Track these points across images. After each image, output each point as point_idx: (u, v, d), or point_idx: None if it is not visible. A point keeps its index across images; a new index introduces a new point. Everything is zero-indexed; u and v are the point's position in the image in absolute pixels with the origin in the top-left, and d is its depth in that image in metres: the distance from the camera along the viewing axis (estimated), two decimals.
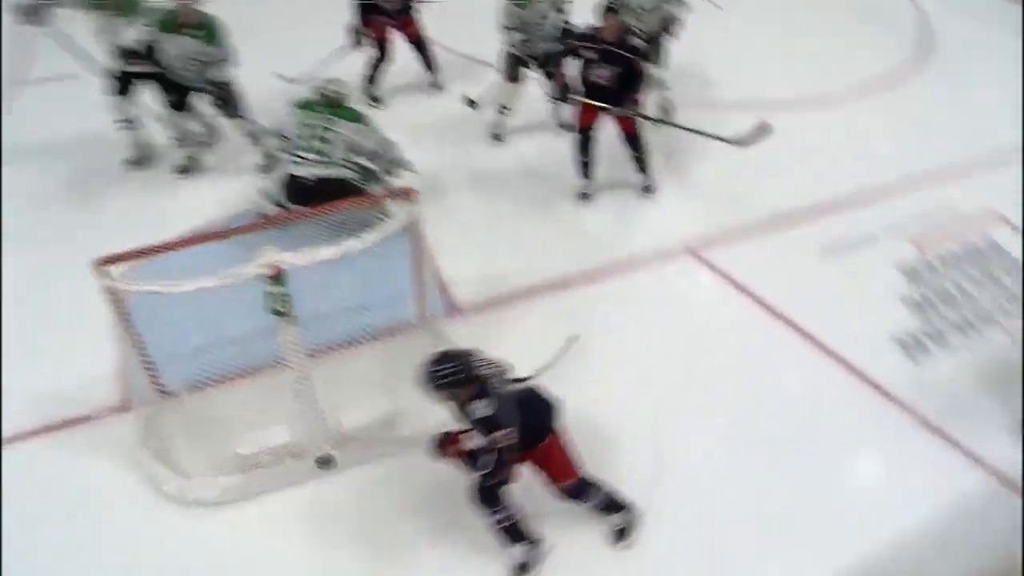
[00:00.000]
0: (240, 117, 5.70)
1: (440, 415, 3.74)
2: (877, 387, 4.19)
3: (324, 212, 3.65)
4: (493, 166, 5.98)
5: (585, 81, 5.10)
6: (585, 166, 5.45)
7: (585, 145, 5.35)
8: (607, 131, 5.36)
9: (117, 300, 3.22)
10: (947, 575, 3.44)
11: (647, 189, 5.60)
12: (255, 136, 5.71)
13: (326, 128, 4.66)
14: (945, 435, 3.98)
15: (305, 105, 4.81)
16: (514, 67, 5.84)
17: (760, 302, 4.64)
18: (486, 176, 5.85)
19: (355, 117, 4.76)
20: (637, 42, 5.03)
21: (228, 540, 3.40)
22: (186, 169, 5.75)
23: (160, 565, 3.29)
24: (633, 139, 5.34)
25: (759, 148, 5.81)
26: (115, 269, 3.18)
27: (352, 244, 3.14)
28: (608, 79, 4.94)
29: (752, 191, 5.56)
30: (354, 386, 3.73)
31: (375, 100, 6.55)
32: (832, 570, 3.38)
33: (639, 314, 4.58)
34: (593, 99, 5.04)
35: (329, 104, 4.77)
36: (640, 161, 5.47)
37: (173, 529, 3.43)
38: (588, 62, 4.98)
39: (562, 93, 5.37)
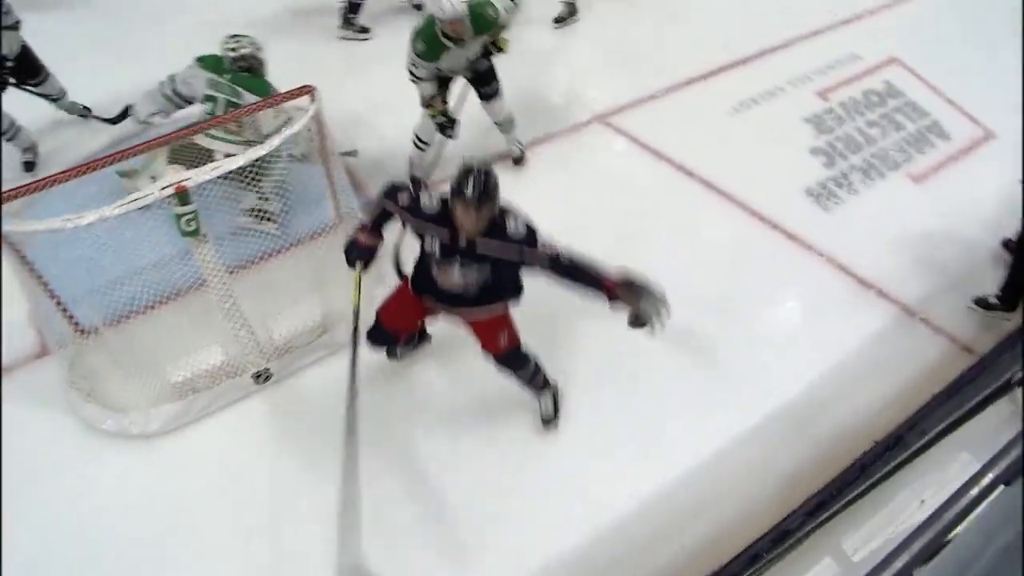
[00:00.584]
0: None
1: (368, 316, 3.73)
2: (793, 237, 4.37)
3: (225, 120, 3.53)
4: None
5: (425, 275, 2.93)
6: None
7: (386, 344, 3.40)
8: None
9: (9, 243, 3.02)
10: (868, 396, 3.73)
11: (547, 422, 3.50)
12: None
13: (231, 103, 3.83)
14: (856, 276, 4.22)
15: (212, 65, 3.93)
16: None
17: (675, 164, 4.70)
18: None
19: (263, 91, 3.78)
20: (515, 224, 2.70)
21: (177, 467, 3.37)
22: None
23: (114, 502, 3.25)
24: (512, 359, 3.19)
25: (663, 12, 5.74)
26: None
27: (257, 150, 3.00)
28: (464, 286, 2.88)
29: (658, 56, 5.50)
30: (281, 294, 3.66)
31: (363, 30, 5.63)
32: (769, 410, 3.62)
33: (557, 186, 4.58)
34: (434, 298, 3.01)
35: (237, 69, 3.87)
36: (531, 384, 3.34)
37: (120, 465, 3.38)
38: (428, 255, 2.83)
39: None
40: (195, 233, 3.00)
